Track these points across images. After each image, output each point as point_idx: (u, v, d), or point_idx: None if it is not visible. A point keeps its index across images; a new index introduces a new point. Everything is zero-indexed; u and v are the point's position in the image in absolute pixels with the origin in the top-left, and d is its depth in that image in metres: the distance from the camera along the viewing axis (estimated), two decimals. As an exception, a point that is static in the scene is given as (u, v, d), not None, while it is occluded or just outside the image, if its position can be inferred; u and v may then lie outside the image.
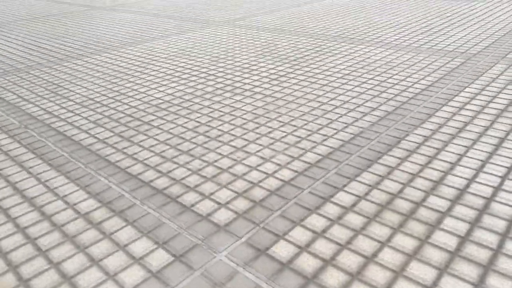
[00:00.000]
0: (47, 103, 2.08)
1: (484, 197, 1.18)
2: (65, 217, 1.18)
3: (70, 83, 2.38)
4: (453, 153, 1.43)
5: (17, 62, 2.88)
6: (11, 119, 1.90)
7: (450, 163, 1.36)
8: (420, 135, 1.57)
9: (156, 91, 2.19)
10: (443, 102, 1.86)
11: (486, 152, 1.43)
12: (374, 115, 1.76)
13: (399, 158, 1.41)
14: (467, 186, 1.23)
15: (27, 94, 2.22)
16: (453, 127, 1.62)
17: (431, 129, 1.61)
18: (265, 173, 1.36)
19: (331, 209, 1.16)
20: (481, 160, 1.37)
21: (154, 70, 2.55)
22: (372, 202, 1.18)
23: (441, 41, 2.90)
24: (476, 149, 1.45)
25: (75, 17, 4.68)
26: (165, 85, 2.27)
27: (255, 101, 1.98)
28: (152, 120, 1.82)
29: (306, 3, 4.90)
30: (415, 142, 1.51)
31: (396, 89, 2.04)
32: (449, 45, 2.80)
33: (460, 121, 1.67)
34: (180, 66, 2.61)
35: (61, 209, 1.22)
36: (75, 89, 2.27)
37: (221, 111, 1.88)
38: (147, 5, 5.34)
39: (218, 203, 1.21)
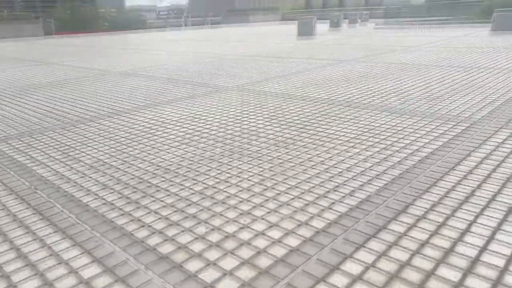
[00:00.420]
0: (58, 164, 2.12)
1: (497, 268, 1.14)
2: (68, 285, 1.16)
3: (82, 144, 2.45)
4: (463, 219, 1.41)
5: (33, 124, 2.98)
6: (22, 181, 1.93)
7: (460, 230, 1.34)
8: (428, 200, 1.55)
9: (166, 153, 2.23)
10: (450, 166, 1.87)
11: (496, 218, 1.40)
12: (381, 180, 1.76)
13: (407, 224, 1.39)
14: (479, 256, 1.20)
15: (39, 156, 2.27)
16: (461, 192, 1.61)
17: (438, 194, 1.60)
18: (271, 240, 1.34)
19: (338, 280, 1.12)
20: (492, 228, 1.35)
21: (164, 133, 2.62)
22: (381, 272, 1.15)
23: (444, 107, 2.97)
24: (486, 215, 1.43)
25: (91, 82, 4.91)
26: (174, 147, 2.32)
27: (262, 163, 2.00)
28: (160, 183, 1.83)
29: (309, 70, 5.11)
30: (423, 208, 1.50)
31: (402, 154, 2.06)
32: (452, 110, 2.86)
33: (468, 186, 1.66)
34: (190, 130, 2.68)
35: (64, 275, 1.20)
36: (86, 151, 2.32)
37: (228, 173, 1.90)
38: (159, 71, 5.60)
39: (223, 271, 1.19)
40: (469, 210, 1.47)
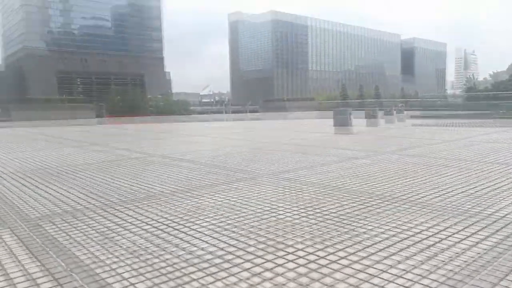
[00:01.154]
0: (94, 247, 2.15)
1: None
2: None
3: (120, 227, 2.49)
4: None
5: (77, 204, 3.10)
6: (59, 261, 1.96)
7: None
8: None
9: (199, 241, 2.22)
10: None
11: None
12: (427, 279, 1.64)
13: None
14: None
15: (78, 237, 2.32)
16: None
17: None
18: None
19: None
20: None
21: (199, 220, 2.64)
22: None
23: (489, 207, 2.83)
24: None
25: (134, 165, 5.14)
26: (209, 235, 2.32)
27: (298, 266, 1.94)
28: (193, 273, 1.80)
29: (346, 161, 5.12)
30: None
31: (446, 256, 1.94)
32: (498, 210, 2.72)
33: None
34: (224, 218, 2.68)
35: None
36: (123, 234, 2.36)
37: (262, 267, 1.84)
38: (199, 157, 5.81)
39: None
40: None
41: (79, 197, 3.33)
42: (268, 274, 1.79)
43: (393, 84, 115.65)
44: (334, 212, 2.75)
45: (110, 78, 75.46)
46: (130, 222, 2.60)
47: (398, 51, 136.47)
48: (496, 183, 3.57)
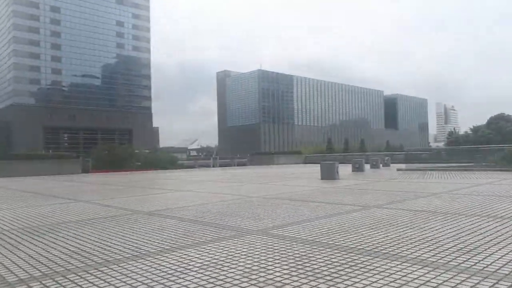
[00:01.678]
0: (75, 313, 2.04)
1: None
2: None
3: (102, 291, 2.38)
4: None
5: (57, 265, 2.97)
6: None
7: None
8: None
9: (186, 304, 2.13)
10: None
11: None
12: None
13: None
14: None
15: (58, 302, 2.20)
16: None
17: None
18: None
19: None
20: None
21: (186, 281, 2.54)
22: None
23: (480, 261, 2.81)
24: None
25: (118, 222, 5.01)
26: (195, 298, 2.22)
27: (288, 322, 1.86)
28: None
29: (334, 215, 5.10)
30: None
31: (441, 316, 1.89)
32: (490, 265, 2.70)
33: None
34: (212, 279, 2.59)
35: None
36: (105, 298, 2.25)
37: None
38: (185, 212, 5.72)
39: None
40: None
41: (61, 258, 3.19)
42: None
43: (378, 137, 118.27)
44: (325, 270, 2.68)
45: (98, 133, 75.61)
46: (114, 285, 2.49)
47: (381, 106, 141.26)
48: (485, 236, 3.57)
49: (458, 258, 2.89)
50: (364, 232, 3.90)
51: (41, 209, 6.51)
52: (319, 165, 12.81)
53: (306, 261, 2.93)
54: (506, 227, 3.99)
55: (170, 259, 3.07)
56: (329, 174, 11.74)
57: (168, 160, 33.71)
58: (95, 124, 76.79)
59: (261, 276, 2.59)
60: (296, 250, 3.25)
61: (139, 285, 2.47)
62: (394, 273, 2.58)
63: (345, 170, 15.17)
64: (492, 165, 15.41)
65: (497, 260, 2.83)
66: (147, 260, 3.08)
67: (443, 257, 2.93)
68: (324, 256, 3.05)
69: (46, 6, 73.34)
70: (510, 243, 3.31)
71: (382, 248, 3.25)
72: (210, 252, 3.26)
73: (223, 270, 2.74)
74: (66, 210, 6.23)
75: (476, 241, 3.41)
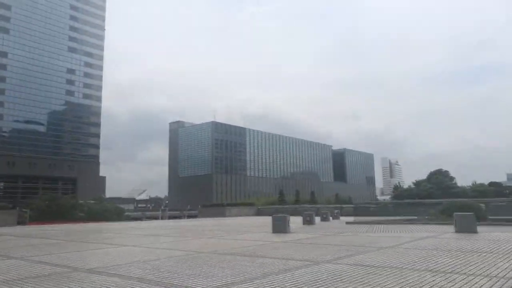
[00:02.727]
0: None
1: None
2: None
3: None
4: None
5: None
6: None
7: None
8: None
9: None
10: None
11: None
12: None
13: None
14: None
15: None
16: None
17: None
18: None
19: None
20: None
21: None
22: None
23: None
24: None
25: (57, 282, 4.60)
26: None
27: None
28: None
29: (287, 271, 5.02)
30: None
31: None
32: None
33: None
34: None
35: None
36: None
37: None
38: (130, 269, 5.38)
39: None
40: None
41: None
42: None
43: (328, 189, 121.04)
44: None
45: (39, 182, 71.03)
46: None
47: (330, 159, 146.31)
48: (430, 293, 3.65)
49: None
50: (314, 290, 3.85)
51: (-36, 268, 5.85)
52: (271, 217, 12.76)
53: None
54: (450, 281, 4.12)
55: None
56: (280, 228, 11.70)
57: (114, 211, 32.22)
58: (37, 172, 72.41)
59: None
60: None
61: None
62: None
63: (296, 222, 15.22)
64: (433, 218, 16.17)
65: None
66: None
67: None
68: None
69: (-7, 51, 71.13)
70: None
71: (332, 307, 3.21)
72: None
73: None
74: (-6, 269, 5.64)
75: (421, 297, 3.47)
